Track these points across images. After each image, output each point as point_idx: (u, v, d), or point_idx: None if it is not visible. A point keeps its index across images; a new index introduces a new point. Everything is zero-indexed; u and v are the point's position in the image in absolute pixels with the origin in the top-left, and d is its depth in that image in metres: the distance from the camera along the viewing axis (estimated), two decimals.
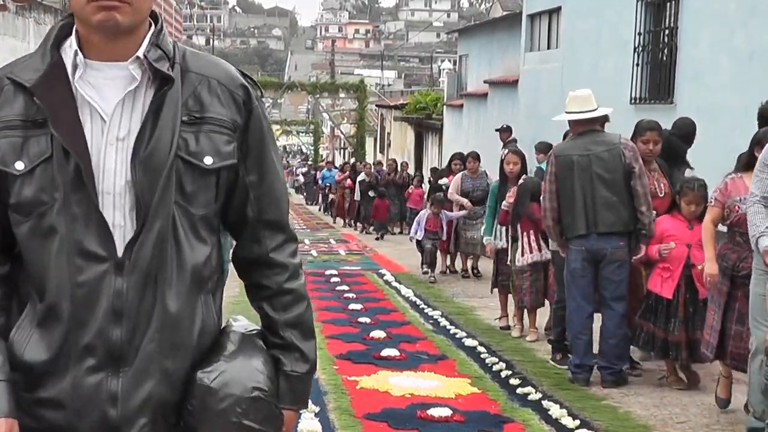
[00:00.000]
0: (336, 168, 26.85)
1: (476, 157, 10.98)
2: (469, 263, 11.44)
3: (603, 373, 5.85)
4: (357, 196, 19.31)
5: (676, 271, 5.62)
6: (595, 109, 5.98)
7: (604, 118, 6.10)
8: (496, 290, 8.11)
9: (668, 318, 5.62)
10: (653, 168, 6.08)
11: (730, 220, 4.98)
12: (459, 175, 11.08)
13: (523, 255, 7.25)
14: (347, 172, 21.63)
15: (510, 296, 7.79)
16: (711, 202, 5.17)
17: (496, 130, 14.72)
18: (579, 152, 5.86)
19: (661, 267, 5.69)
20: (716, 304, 5.04)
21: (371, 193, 18.58)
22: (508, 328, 7.76)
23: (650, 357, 6.39)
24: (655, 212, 5.81)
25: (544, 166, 11.40)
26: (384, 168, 20.43)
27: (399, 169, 19.58)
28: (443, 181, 12.44)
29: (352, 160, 26.87)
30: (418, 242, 11.20)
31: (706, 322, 5.20)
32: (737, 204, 4.89)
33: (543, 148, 9.42)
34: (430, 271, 10.98)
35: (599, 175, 5.77)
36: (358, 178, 19.52)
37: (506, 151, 8.23)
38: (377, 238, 17.58)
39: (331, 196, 23.27)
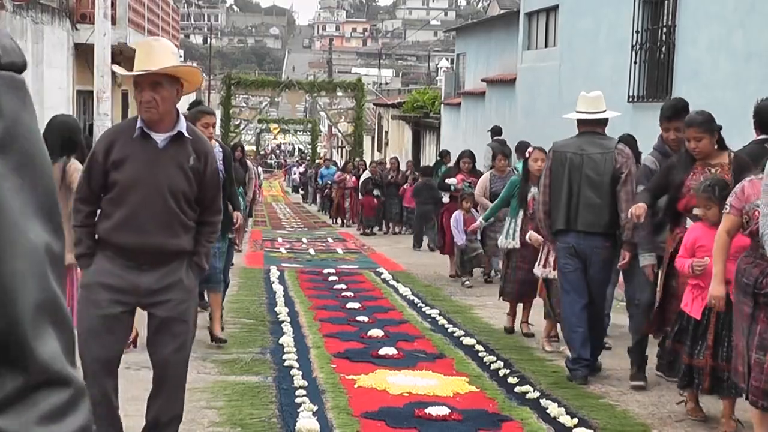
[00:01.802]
0: (335, 166, 26.74)
1: (505, 154, 10.18)
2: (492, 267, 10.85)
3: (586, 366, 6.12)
4: (360, 195, 19.35)
5: (708, 287, 4.78)
6: (601, 111, 6.14)
7: (605, 121, 6.20)
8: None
9: (695, 341, 4.91)
10: None
11: (750, 228, 4.36)
12: (486, 174, 10.32)
13: (506, 238, 7.49)
14: (349, 172, 21.31)
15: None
16: (726, 209, 4.51)
17: (488, 131, 14.92)
18: (574, 150, 6.05)
19: (692, 283, 4.99)
20: (742, 330, 4.43)
21: (375, 192, 18.80)
22: (512, 331, 7.61)
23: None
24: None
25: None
26: (386, 167, 20.48)
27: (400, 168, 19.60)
28: (451, 180, 11.62)
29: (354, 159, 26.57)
30: (460, 249, 10.51)
31: (735, 350, 4.55)
32: (757, 209, 4.28)
33: (522, 147, 9.64)
34: (464, 276, 10.59)
35: (588, 176, 5.96)
36: (362, 177, 19.49)
37: (532, 147, 7.69)
38: (365, 233, 18.09)
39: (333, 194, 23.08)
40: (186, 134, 3.77)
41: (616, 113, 6.38)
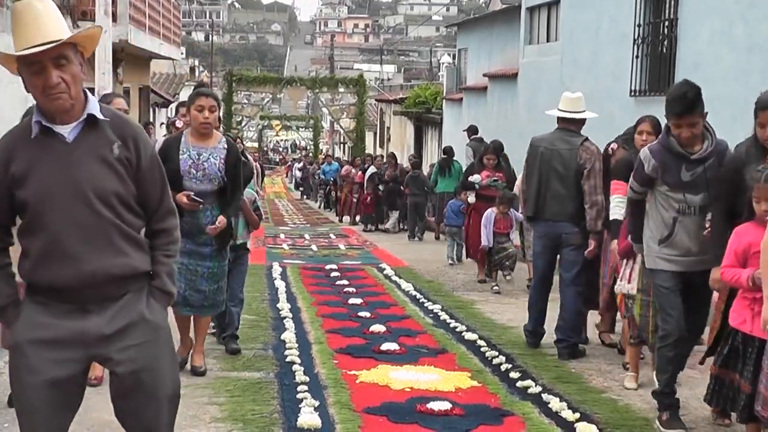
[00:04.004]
0: (337, 162, 26.64)
1: None
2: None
3: (559, 346, 6.41)
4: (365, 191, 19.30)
5: None
6: (580, 112, 6.60)
7: (582, 121, 6.62)
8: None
9: (759, 366, 4.06)
10: None
11: None
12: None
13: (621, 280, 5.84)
14: (356, 167, 20.97)
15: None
16: None
17: (464, 131, 14.99)
18: (546, 145, 6.57)
19: (749, 297, 4.14)
20: None
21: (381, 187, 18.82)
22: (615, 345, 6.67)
23: (729, 420, 4.75)
24: None
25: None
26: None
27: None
28: (475, 178, 10.47)
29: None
30: (489, 250, 9.76)
31: (763, 371, 3.99)
32: None
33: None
34: (493, 280, 9.79)
35: (556, 169, 6.47)
36: (368, 172, 19.41)
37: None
38: (366, 229, 18.20)
39: (335, 193, 22.82)
40: (100, 116, 2.80)
41: (593, 114, 6.73)
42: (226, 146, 5.51)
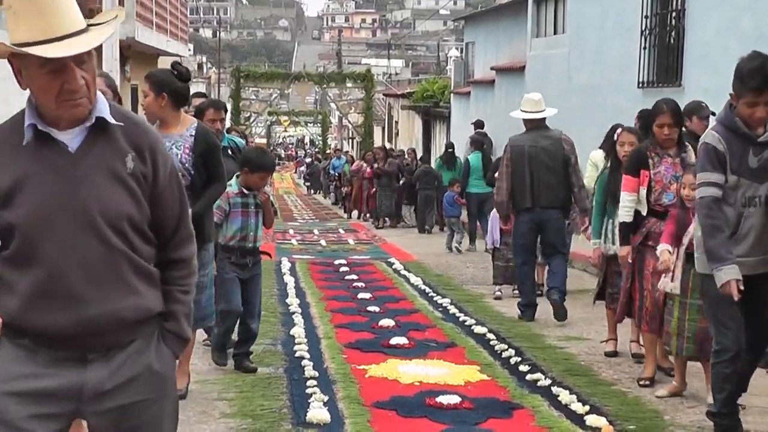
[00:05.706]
0: (345, 156, 26.55)
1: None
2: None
3: (554, 293, 7.33)
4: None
5: None
6: (544, 110, 7.54)
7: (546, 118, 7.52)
8: (597, 303, 6.52)
9: None
10: None
11: None
12: None
13: (605, 242, 5.98)
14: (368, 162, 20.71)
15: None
16: None
17: (471, 124, 15.30)
18: (530, 143, 7.47)
19: None
20: None
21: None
22: (615, 354, 6.28)
23: None
24: None
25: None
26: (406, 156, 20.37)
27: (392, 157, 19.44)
28: None
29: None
30: (495, 250, 8.95)
31: None
32: None
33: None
34: (497, 285, 8.97)
35: (544, 163, 7.37)
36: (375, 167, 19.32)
37: (620, 129, 6.27)
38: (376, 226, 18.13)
39: (344, 189, 22.61)
40: (112, 120, 2.23)
41: (553, 111, 7.63)
42: (194, 133, 4.75)
